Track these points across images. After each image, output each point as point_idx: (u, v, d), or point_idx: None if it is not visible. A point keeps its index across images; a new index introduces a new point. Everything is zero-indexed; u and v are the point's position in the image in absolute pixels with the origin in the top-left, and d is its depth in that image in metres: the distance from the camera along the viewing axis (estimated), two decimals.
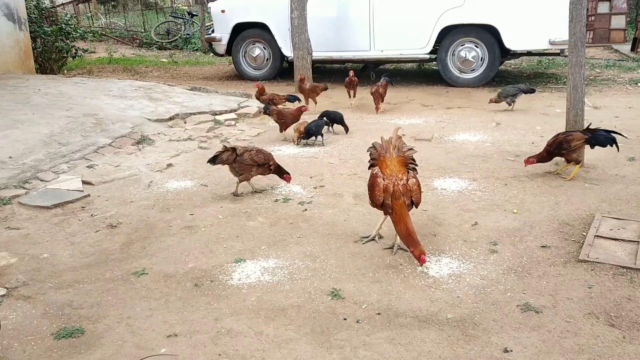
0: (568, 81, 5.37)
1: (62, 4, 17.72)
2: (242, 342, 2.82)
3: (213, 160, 4.66)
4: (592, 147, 4.93)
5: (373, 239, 3.88)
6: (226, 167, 4.78)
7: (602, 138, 4.84)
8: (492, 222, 4.14)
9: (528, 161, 4.96)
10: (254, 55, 10.74)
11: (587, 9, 13.54)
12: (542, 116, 7.43)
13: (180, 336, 2.88)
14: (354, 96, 8.32)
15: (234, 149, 4.68)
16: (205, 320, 3.01)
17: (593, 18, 14.47)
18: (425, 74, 11.47)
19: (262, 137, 6.84)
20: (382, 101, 7.86)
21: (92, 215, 4.51)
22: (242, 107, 8.03)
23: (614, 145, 4.85)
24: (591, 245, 3.64)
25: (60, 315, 3.10)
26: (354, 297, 3.20)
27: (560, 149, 4.84)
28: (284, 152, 6.03)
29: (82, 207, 4.67)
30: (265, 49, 10.69)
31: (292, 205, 4.59)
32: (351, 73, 8.11)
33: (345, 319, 2.99)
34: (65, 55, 11.11)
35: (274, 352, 2.74)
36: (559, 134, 4.99)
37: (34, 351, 2.79)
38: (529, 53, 10.23)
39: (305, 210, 4.49)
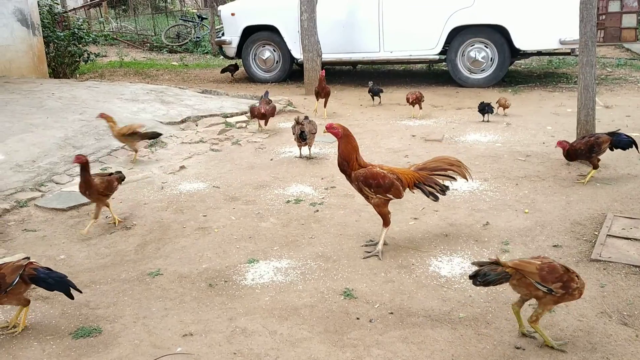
0: (579, 81, 5.37)
1: (74, 8, 17.91)
2: (256, 341, 2.86)
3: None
4: (612, 149, 4.90)
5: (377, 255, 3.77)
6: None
7: (625, 141, 4.85)
8: (503, 222, 4.15)
9: (561, 144, 4.89)
10: (264, 58, 10.79)
11: (598, 8, 13.46)
12: (553, 116, 7.42)
13: (196, 335, 2.92)
14: (325, 105, 7.89)
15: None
16: (220, 320, 3.05)
17: (604, 17, 14.39)
18: (435, 74, 11.48)
19: (272, 138, 6.88)
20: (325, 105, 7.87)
21: (106, 217, 4.57)
22: None
23: (635, 146, 4.86)
24: (603, 245, 3.65)
25: (77, 315, 3.15)
26: (366, 297, 3.23)
27: (591, 151, 4.76)
28: (294, 153, 6.07)
29: None
30: (275, 51, 10.74)
31: (304, 207, 4.63)
32: (322, 72, 7.97)
33: (358, 319, 3.02)
34: (77, 59, 11.25)
35: (287, 351, 2.77)
36: (585, 136, 4.93)
37: (53, 350, 2.85)
38: (539, 53, 10.20)
39: (317, 211, 4.53)
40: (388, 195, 3.72)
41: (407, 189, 3.79)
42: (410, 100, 7.52)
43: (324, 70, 8.17)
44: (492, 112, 7.13)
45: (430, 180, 3.78)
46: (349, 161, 3.72)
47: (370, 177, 3.69)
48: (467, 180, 3.94)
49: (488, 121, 7.16)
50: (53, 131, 6.30)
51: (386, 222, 3.80)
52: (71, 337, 2.95)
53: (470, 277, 2.68)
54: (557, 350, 2.68)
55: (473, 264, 2.75)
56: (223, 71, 11.61)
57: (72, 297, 3.05)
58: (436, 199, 3.80)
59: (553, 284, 2.60)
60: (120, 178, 4.55)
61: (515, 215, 4.25)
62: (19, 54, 9.61)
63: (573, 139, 5.11)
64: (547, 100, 8.51)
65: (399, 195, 3.73)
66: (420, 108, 7.62)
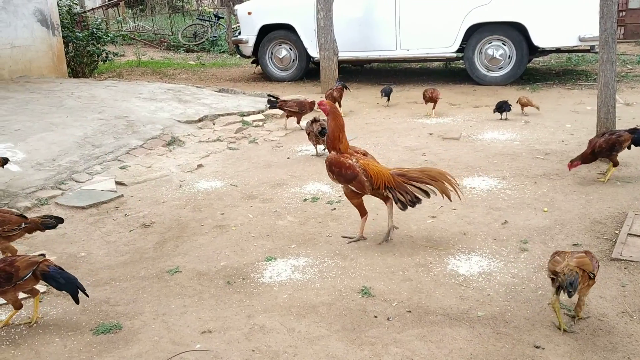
0: (599, 78, 5.31)
1: (92, 9, 18.08)
2: (274, 338, 2.87)
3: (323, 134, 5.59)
4: (629, 148, 4.81)
5: (389, 235, 3.93)
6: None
7: None
8: (522, 220, 4.12)
9: (572, 165, 4.75)
10: (281, 57, 10.81)
11: (618, 4, 13.31)
12: (572, 114, 7.34)
13: (215, 332, 2.94)
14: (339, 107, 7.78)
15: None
16: (238, 317, 3.07)
17: (624, 13, 14.21)
18: (452, 72, 11.41)
19: (289, 137, 6.90)
20: (340, 105, 7.65)
21: (125, 215, 4.62)
22: (269, 108, 8.09)
23: None
24: (624, 244, 3.60)
25: (98, 312, 3.19)
26: (384, 295, 3.23)
27: (612, 149, 4.66)
28: (311, 152, 6.07)
29: (116, 207, 4.78)
30: (291, 50, 10.75)
31: (321, 205, 4.64)
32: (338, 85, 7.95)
33: (375, 317, 3.02)
34: (96, 59, 11.36)
35: (306, 349, 2.78)
36: (604, 134, 4.81)
37: (74, 346, 2.88)
38: (558, 50, 10.09)
39: (334, 209, 4.53)
40: (350, 186, 3.79)
41: (382, 190, 3.77)
42: (427, 98, 7.49)
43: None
44: (509, 110, 7.07)
45: (402, 188, 3.70)
46: (332, 139, 3.84)
47: (335, 164, 3.79)
48: (450, 200, 3.75)
49: (506, 119, 7.10)
50: (73, 130, 6.37)
51: (361, 213, 3.92)
52: (92, 333, 2.99)
53: (561, 288, 2.74)
54: (577, 350, 2.66)
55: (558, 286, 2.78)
56: (254, 61, 11.71)
57: (77, 301, 3.05)
58: (404, 208, 3.73)
59: (597, 270, 2.83)
60: (44, 223, 3.64)
61: (534, 214, 4.22)
62: (39, 53, 9.74)
63: (592, 137, 5.04)
64: (566, 98, 8.42)
65: (362, 190, 3.78)
66: (433, 108, 7.56)
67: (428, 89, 7.61)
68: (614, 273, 3.32)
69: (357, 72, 11.88)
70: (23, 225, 3.58)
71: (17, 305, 3.07)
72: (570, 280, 2.68)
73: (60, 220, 3.70)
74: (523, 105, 7.27)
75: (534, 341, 2.74)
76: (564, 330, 2.80)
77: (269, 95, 7.26)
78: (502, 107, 7.04)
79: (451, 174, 3.77)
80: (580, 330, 2.81)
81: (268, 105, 7.38)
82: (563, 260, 2.77)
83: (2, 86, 8.50)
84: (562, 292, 2.75)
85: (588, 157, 4.74)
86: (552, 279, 2.80)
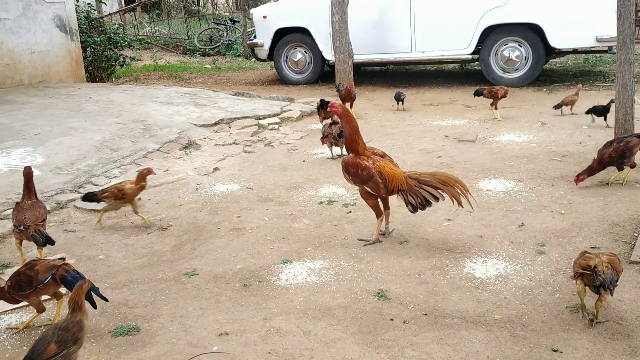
0: (617, 79, 5.26)
1: (110, 14, 18.28)
2: (291, 341, 2.89)
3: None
4: None
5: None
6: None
7: None
8: (539, 223, 4.09)
9: (579, 179, 4.65)
10: (296, 60, 10.84)
11: (636, 4, 13.15)
12: (589, 115, 7.25)
13: (231, 335, 2.96)
14: (351, 107, 7.75)
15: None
16: (255, 320, 3.09)
17: None
18: (468, 74, 11.36)
19: (305, 140, 6.91)
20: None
21: (142, 218, 4.66)
22: (285, 111, 8.14)
23: None
24: None
25: (116, 314, 3.23)
26: (400, 298, 3.23)
27: (622, 157, 4.59)
28: (327, 154, 6.09)
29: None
30: (306, 53, 10.78)
31: (337, 207, 4.65)
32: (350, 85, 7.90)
33: (392, 320, 3.02)
34: (113, 63, 11.48)
35: (322, 351, 2.79)
36: (612, 142, 4.71)
37: (93, 348, 2.92)
38: (575, 51, 10.00)
39: (350, 212, 4.54)
40: (365, 187, 3.85)
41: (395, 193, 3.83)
42: (499, 95, 7.30)
43: (352, 83, 7.98)
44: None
45: (414, 191, 3.73)
46: (350, 141, 3.91)
47: (351, 165, 3.88)
48: (460, 206, 3.74)
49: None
50: (91, 134, 6.46)
51: (377, 214, 3.95)
52: (110, 335, 3.03)
53: (602, 286, 2.77)
54: (595, 354, 2.64)
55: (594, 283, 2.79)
56: None
57: (94, 306, 3.03)
58: (414, 211, 3.75)
59: (621, 272, 2.92)
60: (34, 237, 3.67)
61: (551, 217, 4.19)
62: (57, 59, 9.88)
63: (607, 141, 4.98)
64: (583, 99, 8.31)
65: (377, 191, 3.83)
66: (495, 108, 7.37)
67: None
68: (632, 276, 3.28)
69: (372, 74, 11.86)
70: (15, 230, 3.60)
71: (40, 309, 3.11)
72: (610, 278, 2.74)
73: (50, 242, 3.69)
74: (570, 104, 7.22)
75: (552, 345, 2.73)
76: (590, 319, 2.84)
77: (321, 100, 6.97)
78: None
79: (462, 179, 3.78)
80: (599, 334, 2.79)
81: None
82: (596, 256, 2.81)
83: (22, 91, 8.65)
84: (599, 291, 2.79)
85: (595, 169, 4.65)
86: (581, 274, 2.83)
